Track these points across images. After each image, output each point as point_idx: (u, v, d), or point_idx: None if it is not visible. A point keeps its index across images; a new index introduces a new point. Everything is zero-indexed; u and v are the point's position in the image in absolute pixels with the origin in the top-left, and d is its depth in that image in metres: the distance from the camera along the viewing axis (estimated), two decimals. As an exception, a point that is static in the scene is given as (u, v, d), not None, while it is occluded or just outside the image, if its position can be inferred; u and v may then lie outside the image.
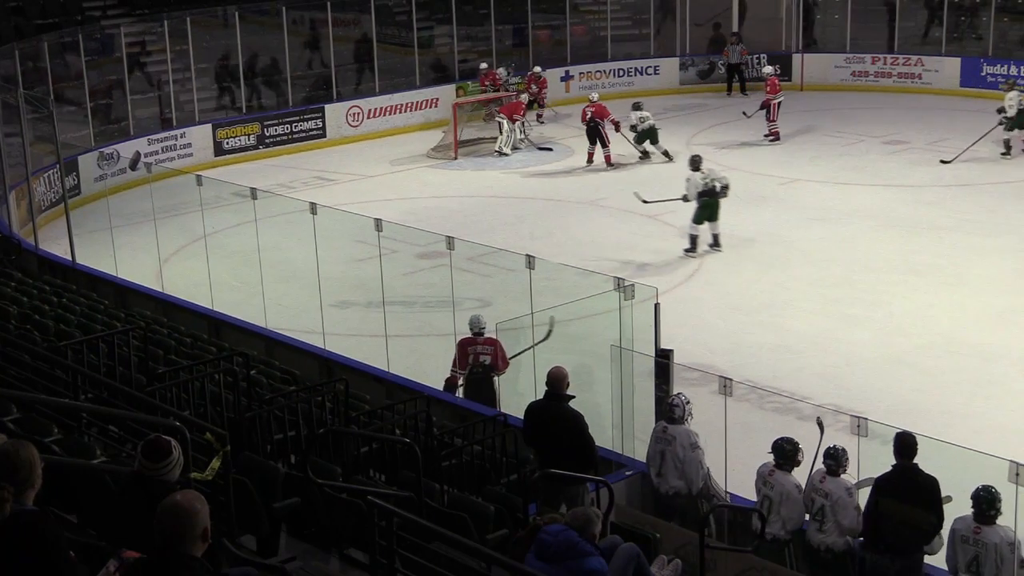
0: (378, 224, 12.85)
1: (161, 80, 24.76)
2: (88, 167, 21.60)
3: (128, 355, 10.54)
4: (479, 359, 12.14)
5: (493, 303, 14.74)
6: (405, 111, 26.79)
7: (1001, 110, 22.41)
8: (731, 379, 9.67)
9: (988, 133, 22.44)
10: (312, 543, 7.68)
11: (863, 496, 8.63)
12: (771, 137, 24.38)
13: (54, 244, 17.59)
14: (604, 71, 29.43)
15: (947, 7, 28.52)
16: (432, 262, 15.75)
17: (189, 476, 6.30)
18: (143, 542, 4.75)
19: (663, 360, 10.42)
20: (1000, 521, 8.09)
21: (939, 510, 8.36)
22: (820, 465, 8.83)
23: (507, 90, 25.83)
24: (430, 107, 26.69)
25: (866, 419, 8.71)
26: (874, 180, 21.49)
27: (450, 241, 12.57)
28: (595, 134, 23.01)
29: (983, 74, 27.64)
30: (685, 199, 17.88)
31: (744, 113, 25.02)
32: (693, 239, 17.67)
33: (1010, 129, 22.27)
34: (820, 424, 9.13)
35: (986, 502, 8.06)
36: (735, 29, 29.90)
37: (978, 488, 8.09)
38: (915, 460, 8.38)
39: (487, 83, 26.20)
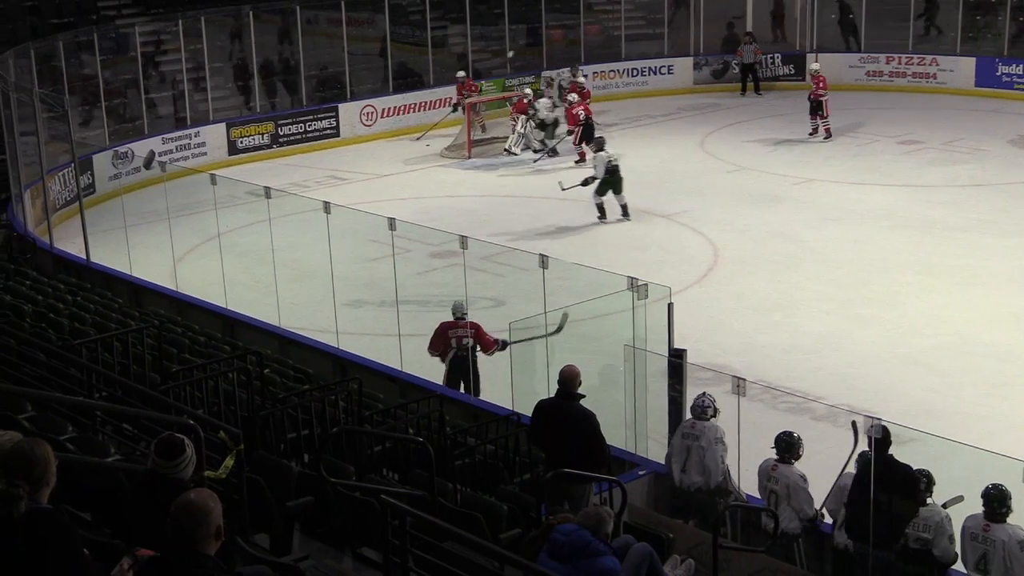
0: (392, 223, 12.86)
1: (175, 79, 24.82)
2: (103, 166, 21.66)
3: (142, 354, 10.57)
4: (462, 342, 12.46)
5: (507, 302, 14.75)
6: (419, 111, 26.77)
7: None
8: (744, 379, 9.66)
9: None
10: (325, 542, 7.68)
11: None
12: (825, 135, 24.29)
13: (69, 243, 17.63)
14: (618, 71, 29.39)
15: (963, 6, 28.40)
16: (446, 261, 15.75)
17: (203, 474, 6.32)
18: (157, 540, 4.76)
19: (676, 360, 10.41)
20: (1011, 520, 8.09)
21: (915, 496, 8.50)
22: (851, 469, 8.91)
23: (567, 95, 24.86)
24: (444, 107, 26.66)
25: (880, 419, 8.69)
26: (888, 180, 21.43)
27: (464, 240, 12.58)
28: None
29: (998, 74, 27.54)
30: (589, 180, 19.55)
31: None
32: (601, 208, 19.49)
33: None
34: (855, 428, 9.12)
35: (996, 500, 8.09)
36: (748, 28, 29.85)
37: (988, 486, 8.12)
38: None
39: (464, 92, 25.30)
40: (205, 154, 23.96)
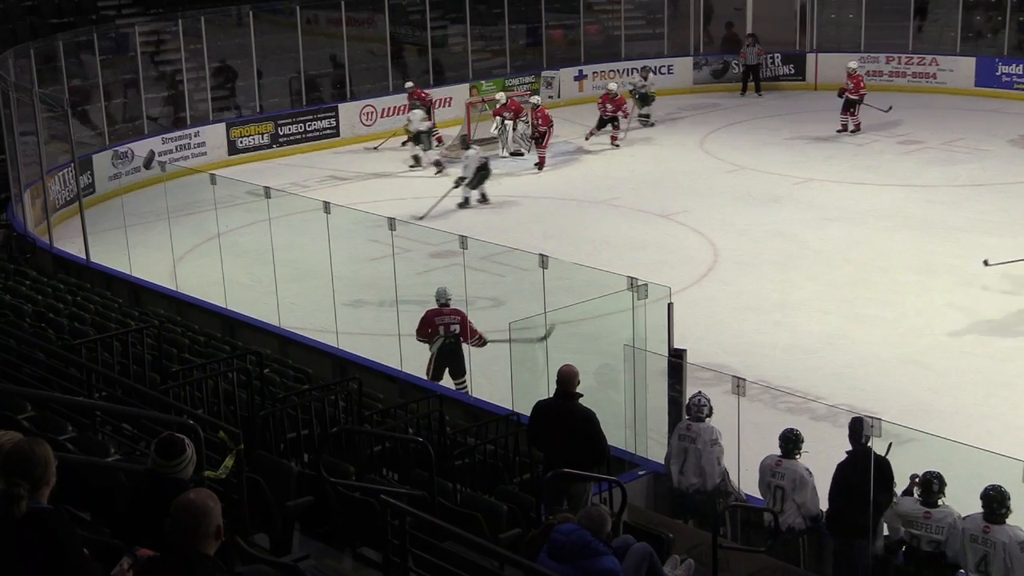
0: (391, 223, 12.86)
1: (175, 79, 24.81)
2: (102, 166, 21.65)
3: (142, 353, 10.57)
4: (449, 329, 12.56)
5: (507, 302, 14.75)
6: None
7: None
8: (744, 379, 9.66)
9: None
10: (325, 542, 7.69)
11: None
12: (854, 128, 24.42)
13: (68, 243, 17.63)
14: (618, 70, 29.37)
15: (962, 6, 28.39)
16: (445, 261, 15.74)
17: (202, 474, 6.32)
18: (157, 540, 4.76)
19: (676, 360, 10.41)
20: (1011, 521, 8.09)
21: (890, 488, 8.61)
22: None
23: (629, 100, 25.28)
24: (443, 106, 26.65)
25: (880, 419, 8.69)
26: (888, 180, 21.43)
27: (463, 240, 12.58)
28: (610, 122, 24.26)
29: (998, 74, 27.54)
30: (460, 180, 20.23)
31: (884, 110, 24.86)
32: (467, 199, 20.32)
33: None
34: (888, 446, 9.11)
35: (996, 501, 8.10)
36: (750, 30, 29.83)
37: (988, 487, 8.13)
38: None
39: (414, 100, 24.68)
40: (205, 154, 23.95)
